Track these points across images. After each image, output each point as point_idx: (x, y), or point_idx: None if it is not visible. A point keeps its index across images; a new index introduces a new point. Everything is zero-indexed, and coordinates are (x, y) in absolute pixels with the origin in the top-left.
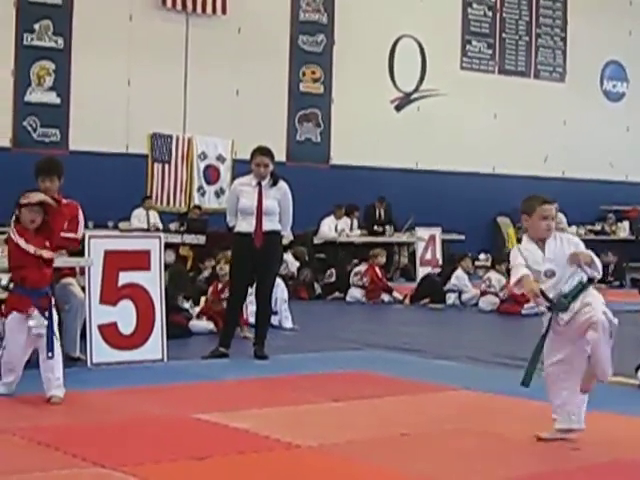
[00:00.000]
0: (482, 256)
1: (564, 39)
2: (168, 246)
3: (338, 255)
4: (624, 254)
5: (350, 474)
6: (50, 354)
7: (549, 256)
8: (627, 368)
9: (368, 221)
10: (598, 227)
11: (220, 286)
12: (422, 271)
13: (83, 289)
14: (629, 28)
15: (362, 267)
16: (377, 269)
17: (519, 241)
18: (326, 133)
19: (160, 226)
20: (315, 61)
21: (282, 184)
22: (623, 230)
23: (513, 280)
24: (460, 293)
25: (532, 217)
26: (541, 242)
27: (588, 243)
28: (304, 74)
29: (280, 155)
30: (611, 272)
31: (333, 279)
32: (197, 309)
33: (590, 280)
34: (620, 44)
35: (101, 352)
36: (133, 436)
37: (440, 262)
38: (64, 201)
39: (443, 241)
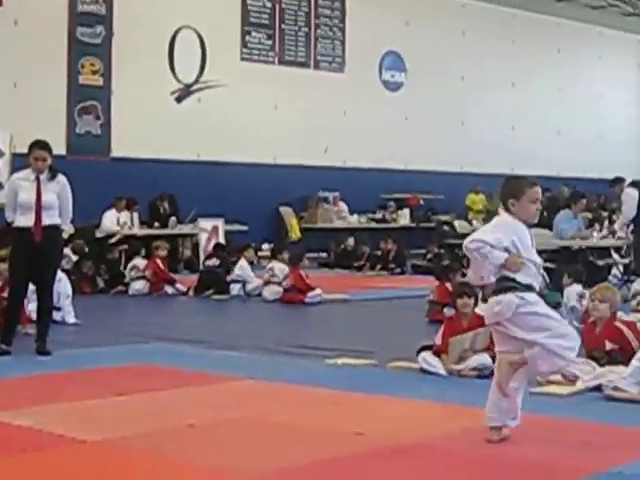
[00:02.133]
0: (265, 246)
1: (343, 30)
2: None
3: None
4: (405, 241)
5: (137, 467)
6: None
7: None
8: (409, 352)
9: (152, 216)
10: (379, 215)
11: (0, 283)
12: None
13: None
14: (406, 19)
15: (139, 261)
16: (159, 261)
17: (302, 231)
18: (106, 125)
19: None
20: (94, 53)
21: (61, 177)
22: (404, 218)
23: (496, 261)
24: (244, 283)
25: (520, 200)
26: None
27: (369, 231)
28: (83, 66)
29: (60, 148)
30: (392, 259)
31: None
32: None
33: None
34: (398, 35)
35: None
36: None
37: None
38: None
39: (226, 232)
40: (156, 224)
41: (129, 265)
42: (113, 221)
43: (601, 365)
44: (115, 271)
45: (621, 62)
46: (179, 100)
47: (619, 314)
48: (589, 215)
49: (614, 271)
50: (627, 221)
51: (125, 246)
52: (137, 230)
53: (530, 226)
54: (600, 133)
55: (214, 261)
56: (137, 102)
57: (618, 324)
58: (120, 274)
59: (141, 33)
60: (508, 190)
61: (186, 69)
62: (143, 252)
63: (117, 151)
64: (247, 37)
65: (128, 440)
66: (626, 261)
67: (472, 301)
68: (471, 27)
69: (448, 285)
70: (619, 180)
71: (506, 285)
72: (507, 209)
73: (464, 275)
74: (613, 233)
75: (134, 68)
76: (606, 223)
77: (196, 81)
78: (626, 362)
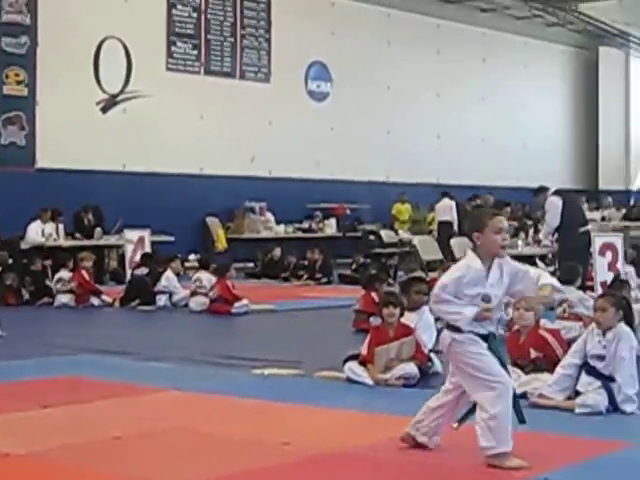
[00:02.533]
0: (192, 257)
1: (268, 40)
2: None
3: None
4: (331, 251)
5: None
6: None
7: (491, 281)
8: (336, 362)
9: (76, 229)
10: (305, 225)
11: None
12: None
13: None
14: (332, 29)
15: (65, 274)
16: (84, 273)
17: (229, 241)
18: (31, 136)
19: None
20: (19, 63)
21: None
22: (330, 227)
23: (453, 315)
24: (171, 294)
25: (484, 233)
26: (488, 261)
27: (296, 241)
28: (7, 77)
29: None
30: (319, 268)
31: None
32: None
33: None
34: (323, 45)
35: None
36: None
37: None
38: None
39: (152, 243)
40: (77, 235)
41: (55, 277)
42: (38, 232)
43: (526, 373)
44: (40, 283)
45: (545, 71)
46: (104, 110)
47: (543, 322)
48: (515, 224)
49: None
50: (551, 230)
51: (43, 258)
52: (62, 241)
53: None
54: (524, 142)
55: (142, 270)
56: (62, 113)
57: (542, 332)
58: (45, 286)
59: (66, 43)
60: (471, 225)
61: (111, 79)
62: (72, 264)
63: (42, 162)
64: (173, 47)
65: (53, 453)
66: (551, 269)
67: (398, 311)
68: (396, 37)
69: (374, 294)
70: (542, 189)
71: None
72: (474, 243)
73: (390, 284)
74: (538, 242)
75: (59, 78)
76: (532, 232)
77: (122, 91)
78: (551, 369)
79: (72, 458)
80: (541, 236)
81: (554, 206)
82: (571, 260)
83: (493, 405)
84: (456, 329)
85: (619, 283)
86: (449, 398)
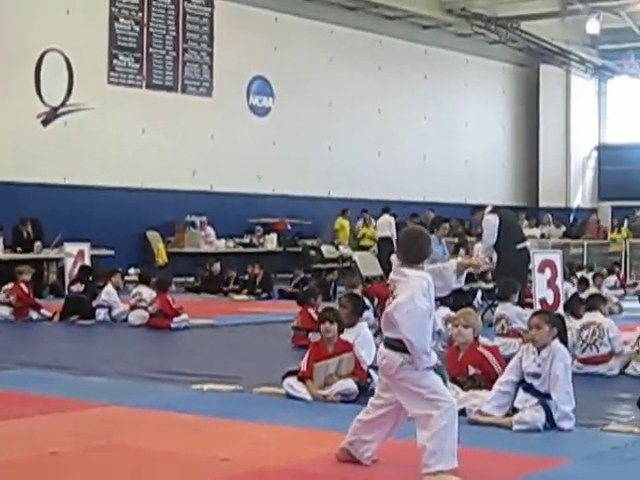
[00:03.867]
0: (132, 270)
1: (211, 54)
2: None
3: None
4: (272, 266)
5: None
6: None
7: (431, 291)
8: (275, 378)
9: (15, 242)
10: (246, 240)
11: None
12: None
13: None
14: (274, 45)
15: (10, 285)
16: (23, 286)
17: (169, 256)
18: None
19: None
20: None
21: None
22: (271, 242)
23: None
24: (110, 308)
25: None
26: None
27: (237, 256)
28: None
29: None
30: (259, 284)
31: None
32: None
33: None
34: (266, 60)
35: None
36: None
37: None
38: None
39: (92, 256)
40: (19, 249)
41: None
42: None
43: (465, 389)
44: None
45: (487, 89)
46: (45, 123)
47: (481, 339)
48: (455, 240)
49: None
50: (488, 247)
51: None
52: (1, 254)
53: None
54: (465, 159)
55: (78, 286)
56: (2, 125)
57: (481, 349)
58: None
59: (7, 55)
60: (425, 249)
61: (53, 92)
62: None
63: None
64: (115, 60)
65: None
66: (490, 286)
67: (335, 327)
68: (338, 53)
69: (311, 310)
70: (479, 207)
71: (394, 344)
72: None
73: (326, 300)
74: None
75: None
76: (478, 245)
77: (63, 104)
78: (489, 386)
79: (9, 474)
80: (480, 254)
81: (491, 224)
82: (509, 276)
83: (436, 424)
84: (406, 350)
85: (598, 299)
86: (382, 412)
